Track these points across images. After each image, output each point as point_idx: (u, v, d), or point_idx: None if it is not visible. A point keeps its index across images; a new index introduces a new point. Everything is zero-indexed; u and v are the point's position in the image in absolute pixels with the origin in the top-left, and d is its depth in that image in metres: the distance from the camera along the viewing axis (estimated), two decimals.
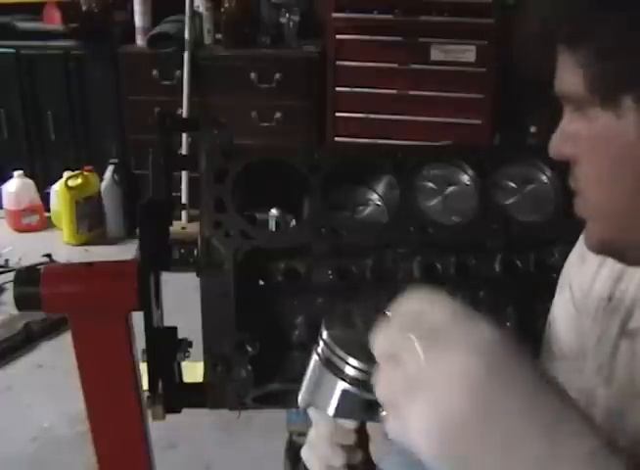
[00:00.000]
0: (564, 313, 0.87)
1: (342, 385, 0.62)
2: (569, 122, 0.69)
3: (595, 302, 0.81)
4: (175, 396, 1.17)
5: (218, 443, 2.32)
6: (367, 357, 0.60)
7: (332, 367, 0.63)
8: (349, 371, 0.62)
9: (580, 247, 0.86)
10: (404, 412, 0.50)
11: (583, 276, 0.84)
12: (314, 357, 0.65)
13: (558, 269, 1.11)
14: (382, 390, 0.54)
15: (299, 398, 0.68)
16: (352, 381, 0.62)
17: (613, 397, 0.76)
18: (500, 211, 1.16)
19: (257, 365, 1.09)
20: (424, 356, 0.50)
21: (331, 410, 0.64)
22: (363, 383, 0.61)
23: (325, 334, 0.64)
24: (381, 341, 0.55)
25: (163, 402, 1.16)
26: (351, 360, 0.62)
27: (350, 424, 0.69)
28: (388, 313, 0.65)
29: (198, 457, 2.27)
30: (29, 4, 3.71)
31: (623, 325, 0.76)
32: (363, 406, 0.62)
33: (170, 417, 1.18)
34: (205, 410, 1.18)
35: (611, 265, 0.79)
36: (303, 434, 2.49)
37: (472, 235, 1.14)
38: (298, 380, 1.12)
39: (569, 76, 0.66)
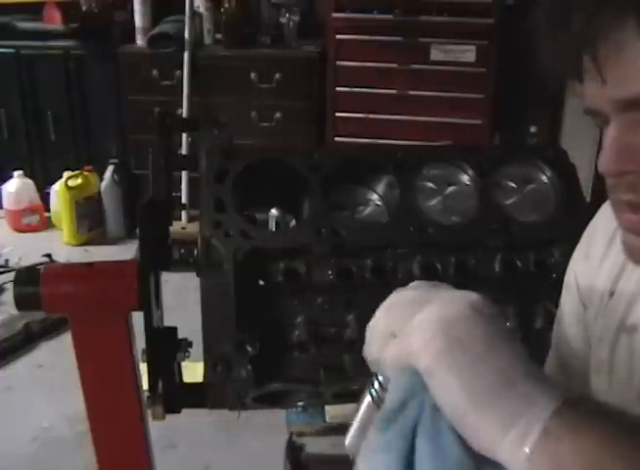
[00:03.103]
0: (571, 310, 0.87)
1: None
2: (632, 133, 0.61)
3: (598, 298, 0.81)
4: (175, 396, 1.17)
5: (218, 443, 2.32)
6: None
7: None
8: None
9: (584, 243, 0.87)
10: (406, 327, 0.56)
11: (587, 272, 0.84)
12: (367, 399, 0.61)
13: (558, 269, 1.11)
14: (382, 326, 0.59)
15: (347, 442, 0.63)
16: None
17: (612, 393, 0.76)
18: (500, 211, 1.16)
19: (257, 365, 1.09)
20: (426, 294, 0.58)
21: None
22: None
23: (381, 376, 0.61)
24: (375, 331, 0.60)
25: (163, 402, 1.16)
26: None
27: None
28: None
29: (198, 457, 2.27)
30: (29, 4, 3.71)
31: (622, 321, 0.76)
32: None
33: (170, 417, 1.18)
34: (205, 410, 1.18)
35: (612, 262, 0.79)
36: (303, 434, 2.50)
37: (472, 235, 1.14)
38: (298, 380, 1.12)
39: None
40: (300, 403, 1.20)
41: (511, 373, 0.51)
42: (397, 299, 0.61)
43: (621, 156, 0.61)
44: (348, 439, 0.63)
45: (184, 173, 3.41)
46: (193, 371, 1.21)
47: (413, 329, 0.55)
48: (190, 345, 1.18)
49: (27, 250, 3.49)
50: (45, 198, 3.74)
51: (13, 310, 1.56)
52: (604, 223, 0.82)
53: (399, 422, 0.54)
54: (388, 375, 0.58)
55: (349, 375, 1.10)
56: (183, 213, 3.34)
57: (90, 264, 1.18)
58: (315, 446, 2.16)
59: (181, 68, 3.47)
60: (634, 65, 0.58)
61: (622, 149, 0.61)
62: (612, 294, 0.79)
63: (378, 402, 0.60)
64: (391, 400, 0.56)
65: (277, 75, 3.46)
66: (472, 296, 0.56)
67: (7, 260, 3.40)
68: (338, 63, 3.40)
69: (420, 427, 0.54)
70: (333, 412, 2.28)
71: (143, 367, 1.18)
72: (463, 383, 0.52)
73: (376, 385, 0.61)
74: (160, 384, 1.15)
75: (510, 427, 0.50)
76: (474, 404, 0.51)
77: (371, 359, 0.61)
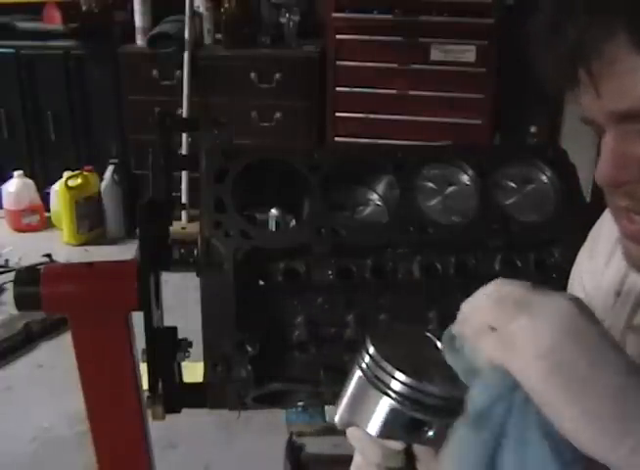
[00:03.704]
0: None
1: (388, 402, 0.59)
2: (628, 144, 0.62)
3: (604, 298, 0.81)
4: (175, 396, 1.17)
5: (218, 443, 2.32)
6: (415, 374, 0.59)
7: (378, 383, 0.60)
8: (397, 387, 0.59)
9: (589, 245, 0.87)
10: (508, 329, 0.55)
11: (593, 273, 0.84)
12: (357, 373, 0.62)
13: (558, 269, 1.11)
14: (478, 318, 0.58)
15: (337, 416, 0.64)
16: (400, 398, 0.59)
17: None
18: (500, 211, 1.16)
19: (257, 365, 1.09)
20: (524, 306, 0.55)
21: (374, 429, 0.60)
22: (411, 400, 0.58)
23: (371, 349, 0.61)
24: (475, 315, 0.58)
25: (163, 402, 1.16)
26: (400, 375, 0.59)
27: (397, 445, 0.63)
28: (429, 334, 0.65)
29: (198, 457, 2.28)
30: (29, 4, 3.71)
31: (629, 320, 0.76)
32: (409, 426, 0.59)
33: (170, 417, 1.19)
34: (205, 410, 1.18)
35: (617, 262, 0.79)
36: (303, 434, 2.49)
37: (472, 235, 1.14)
38: (298, 380, 1.12)
39: None
40: (300, 403, 1.20)
41: (620, 385, 0.52)
42: (503, 292, 0.58)
43: (618, 166, 0.62)
44: (339, 413, 0.63)
45: (184, 173, 3.41)
46: (193, 371, 1.21)
47: (516, 334, 0.54)
48: (190, 345, 1.18)
49: (27, 250, 3.49)
50: (45, 198, 3.74)
51: (13, 310, 1.57)
52: (609, 224, 0.82)
53: (492, 421, 0.54)
54: (476, 361, 0.57)
55: None
56: (183, 213, 3.34)
57: (90, 264, 1.18)
58: (315, 446, 2.16)
59: (181, 68, 3.47)
60: (628, 78, 0.58)
61: (618, 160, 0.62)
62: (618, 294, 0.79)
63: (369, 376, 0.60)
64: (483, 399, 0.55)
65: (277, 75, 3.46)
66: (572, 307, 0.55)
67: (7, 260, 3.40)
68: (338, 63, 3.40)
69: (508, 428, 0.54)
70: (333, 412, 2.28)
71: (143, 367, 1.18)
72: (574, 401, 0.52)
73: (366, 359, 0.61)
74: (160, 384, 1.15)
75: (625, 436, 0.50)
76: (586, 420, 0.51)
77: (457, 333, 0.60)
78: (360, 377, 0.61)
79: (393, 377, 0.59)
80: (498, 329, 0.56)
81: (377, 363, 0.60)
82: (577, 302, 0.55)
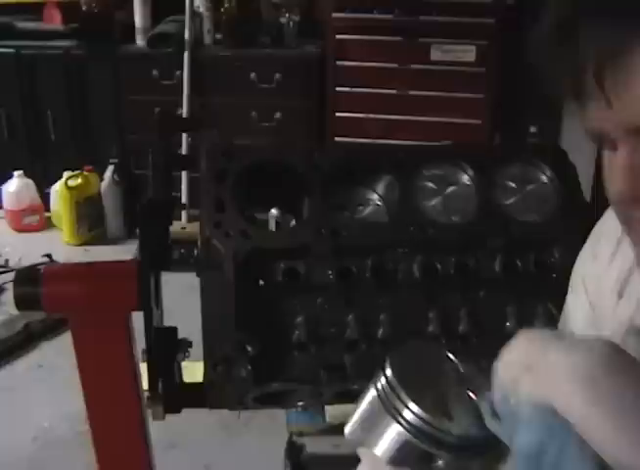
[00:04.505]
0: (579, 311, 0.87)
1: (400, 431, 0.58)
2: None
3: (607, 299, 0.81)
4: (175, 396, 1.17)
5: (218, 443, 2.32)
6: (431, 406, 0.58)
7: (391, 409, 0.59)
8: (410, 418, 0.58)
9: (590, 244, 0.86)
10: (544, 363, 0.54)
11: (595, 273, 0.84)
12: (372, 393, 0.61)
13: (558, 269, 1.11)
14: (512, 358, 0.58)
15: (348, 430, 0.64)
16: (412, 429, 0.58)
17: None
18: (500, 211, 1.16)
19: (257, 365, 1.09)
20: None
21: (383, 455, 0.60)
22: (424, 434, 0.57)
23: (389, 372, 0.60)
24: (508, 360, 0.58)
25: (163, 402, 1.16)
26: (413, 406, 0.58)
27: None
28: (450, 355, 0.65)
29: (198, 457, 2.27)
30: (29, 4, 3.71)
31: (631, 323, 0.76)
32: (419, 457, 0.58)
33: (170, 417, 1.18)
34: (205, 410, 1.18)
35: (620, 263, 0.79)
36: (303, 434, 2.49)
37: (472, 235, 1.14)
38: (298, 380, 1.12)
39: None
40: (300, 403, 1.20)
41: None
42: (534, 333, 0.59)
43: (636, 180, 0.60)
44: (349, 428, 0.63)
45: (184, 173, 3.41)
46: (193, 371, 1.21)
47: (553, 367, 0.54)
48: (190, 345, 1.18)
49: (27, 250, 3.49)
50: (45, 198, 3.74)
51: (13, 310, 1.57)
52: (611, 224, 0.82)
53: (544, 463, 0.52)
54: (518, 406, 0.55)
55: (349, 375, 1.10)
56: (183, 213, 3.34)
57: (90, 264, 1.18)
58: (315, 446, 2.16)
59: (181, 68, 3.47)
60: None
61: (637, 173, 0.60)
62: (621, 296, 0.79)
63: (384, 399, 0.60)
64: (529, 441, 0.53)
65: (277, 75, 3.46)
66: (606, 344, 0.55)
67: (7, 260, 3.40)
68: (338, 63, 3.40)
69: (564, 467, 0.52)
70: (333, 412, 2.28)
71: (143, 367, 1.18)
72: (622, 433, 0.50)
73: (383, 381, 0.60)
74: (160, 384, 1.15)
75: None
76: (636, 452, 0.50)
77: (499, 383, 0.58)
78: (374, 397, 0.60)
79: (407, 407, 0.58)
80: (533, 367, 0.55)
81: (393, 389, 0.59)
82: (610, 341, 0.55)
